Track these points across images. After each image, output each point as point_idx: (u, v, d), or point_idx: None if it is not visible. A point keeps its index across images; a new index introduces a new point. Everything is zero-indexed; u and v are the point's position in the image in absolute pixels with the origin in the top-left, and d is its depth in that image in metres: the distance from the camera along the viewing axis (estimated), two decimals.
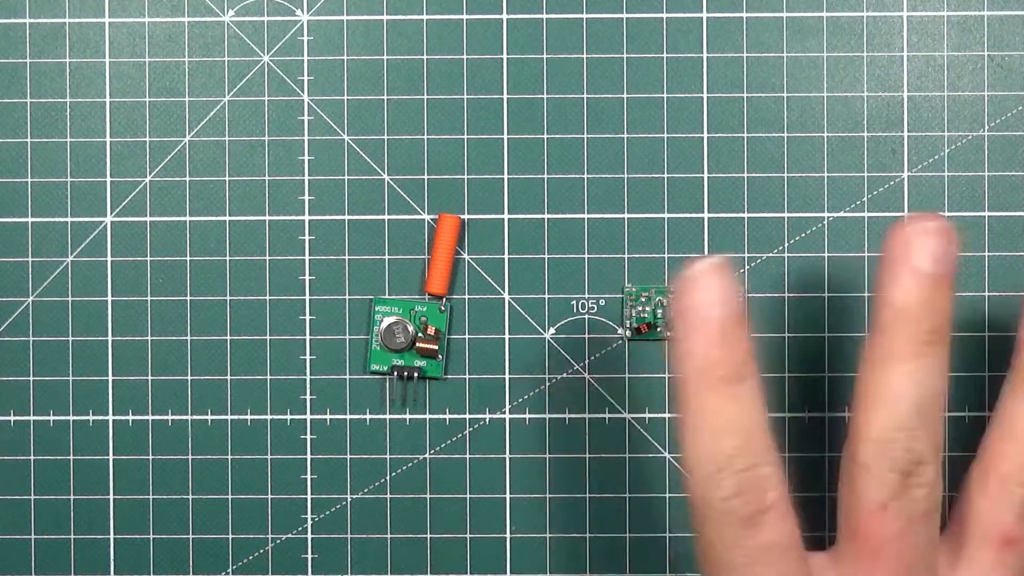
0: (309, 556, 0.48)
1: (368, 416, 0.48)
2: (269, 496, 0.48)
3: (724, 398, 0.37)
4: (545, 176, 0.48)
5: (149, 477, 0.48)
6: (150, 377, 0.48)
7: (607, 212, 0.47)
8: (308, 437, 0.48)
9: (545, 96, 0.48)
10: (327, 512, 0.48)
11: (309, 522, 0.48)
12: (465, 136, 0.48)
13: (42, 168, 0.48)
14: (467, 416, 0.48)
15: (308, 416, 0.48)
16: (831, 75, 0.47)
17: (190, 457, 0.48)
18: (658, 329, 0.47)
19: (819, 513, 0.47)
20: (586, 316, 0.47)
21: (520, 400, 0.47)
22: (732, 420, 0.37)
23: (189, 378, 0.48)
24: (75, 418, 0.48)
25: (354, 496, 0.48)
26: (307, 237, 0.48)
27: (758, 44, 0.47)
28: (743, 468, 0.37)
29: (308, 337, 0.48)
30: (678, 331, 0.38)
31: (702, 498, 0.37)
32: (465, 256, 0.48)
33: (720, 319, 0.37)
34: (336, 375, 0.48)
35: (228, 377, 0.48)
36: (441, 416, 0.48)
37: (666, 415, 0.47)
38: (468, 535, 0.48)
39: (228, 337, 0.48)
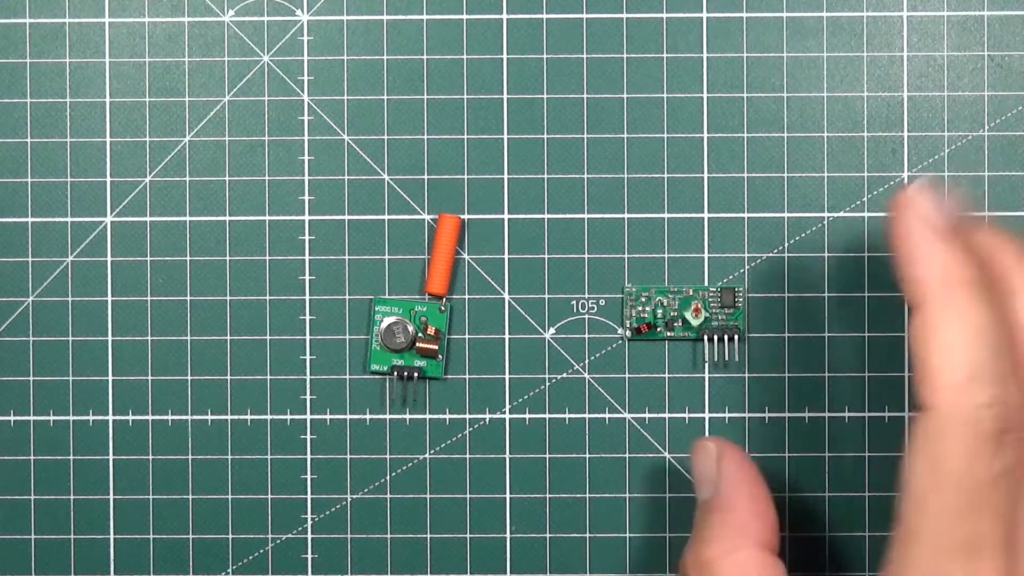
0: (309, 556, 0.48)
1: (368, 416, 0.48)
2: (269, 496, 0.48)
3: (978, 301, 0.35)
4: (545, 176, 0.48)
5: (149, 477, 0.48)
6: (150, 377, 0.48)
7: (607, 212, 0.47)
8: (308, 437, 0.48)
9: (545, 96, 0.48)
10: (327, 512, 0.48)
11: (309, 522, 0.48)
12: (465, 136, 0.48)
13: (42, 168, 0.48)
14: (467, 416, 0.48)
15: (308, 416, 0.48)
16: (831, 75, 0.47)
17: (190, 457, 0.48)
18: (658, 329, 0.47)
19: (820, 513, 0.47)
20: (586, 316, 0.47)
21: (520, 400, 0.47)
22: (987, 325, 0.35)
23: (189, 378, 0.48)
24: (75, 418, 0.48)
25: (354, 496, 0.48)
26: (307, 237, 0.48)
27: (758, 44, 0.47)
28: (998, 377, 0.35)
29: (308, 337, 0.48)
30: (905, 250, 0.37)
31: (951, 405, 0.35)
32: (465, 256, 0.48)
33: (950, 223, 0.37)
34: (336, 375, 0.48)
35: (228, 377, 0.48)
36: (441, 416, 0.48)
37: (666, 415, 0.47)
38: (468, 535, 0.48)
39: (228, 337, 0.48)
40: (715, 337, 0.47)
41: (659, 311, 0.47)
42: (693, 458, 0.42)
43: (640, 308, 0.47)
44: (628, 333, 0.47)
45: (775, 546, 0.40)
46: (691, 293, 0.47)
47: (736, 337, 0.47)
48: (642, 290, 0.47)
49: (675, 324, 0.47)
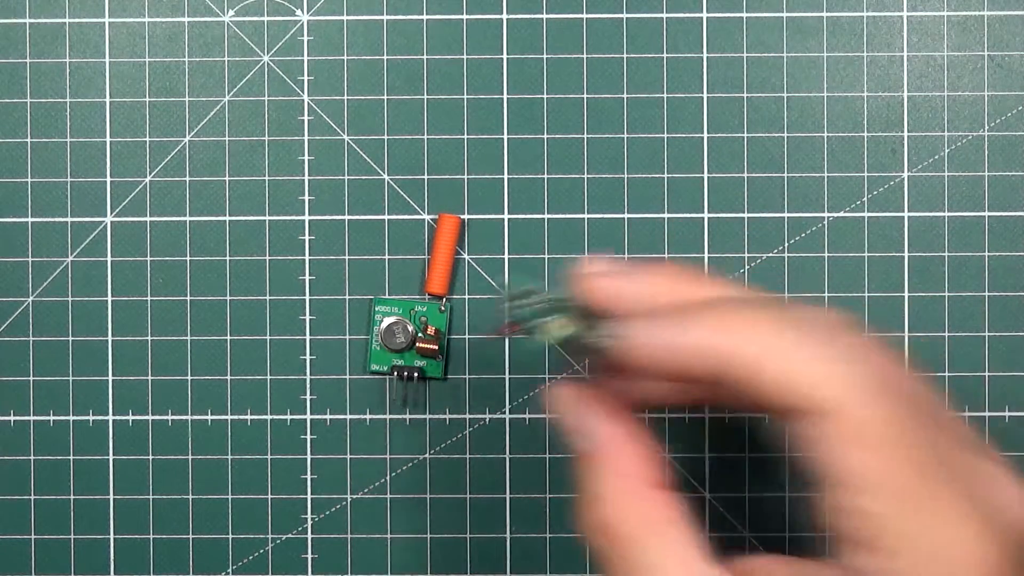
0: (309, 556, 0.48)
1: (368, 416, 0.48)
2: (269, 496, 0.48)
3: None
4: (545, 176, 0.48)
5: (149, 477, 0.48)
6: (150, 377, 0.48)
7: (607, 212, 0.47)
8: (308, 437, 0.48)
9: (545, 96, 0.48)
10: (327, 512, 0.48)
11: (309, 522, 0.48)
12: (465, 136, 0.48)
13: (42, 168, 0.48)
14: (467, 416, 0.48)
15: (308, 416, 0.48)
16: (831, 75, 0.47)
17: (190, 457, 0.48)
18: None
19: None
20: None
21: (520, 400, 0.47)
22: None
23: (189, 378, 0.48)
24: (75, 418, 0.48)
25: (354, 496, 0.48)
26: (307, 237, 0.48)
27: (758, 44, 0.47)
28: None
29: (308, 337, 0.48)
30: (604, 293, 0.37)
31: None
32: (465, 256, 0.48)
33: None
34: (336, 375, 0.48)
35: (228, 377, 0.48)
36: (441, 416, 0.48)
37: (665, 415, 0.47)
38: (468, 535, 0.48)
39: (228, 337, 0.48)
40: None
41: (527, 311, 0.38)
42: (558, 411, 0.37)
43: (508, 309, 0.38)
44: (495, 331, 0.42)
45: (662, 481, 0.37)
46: (561, 301, 0.38)
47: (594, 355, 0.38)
48: (511, 289, 0.38)
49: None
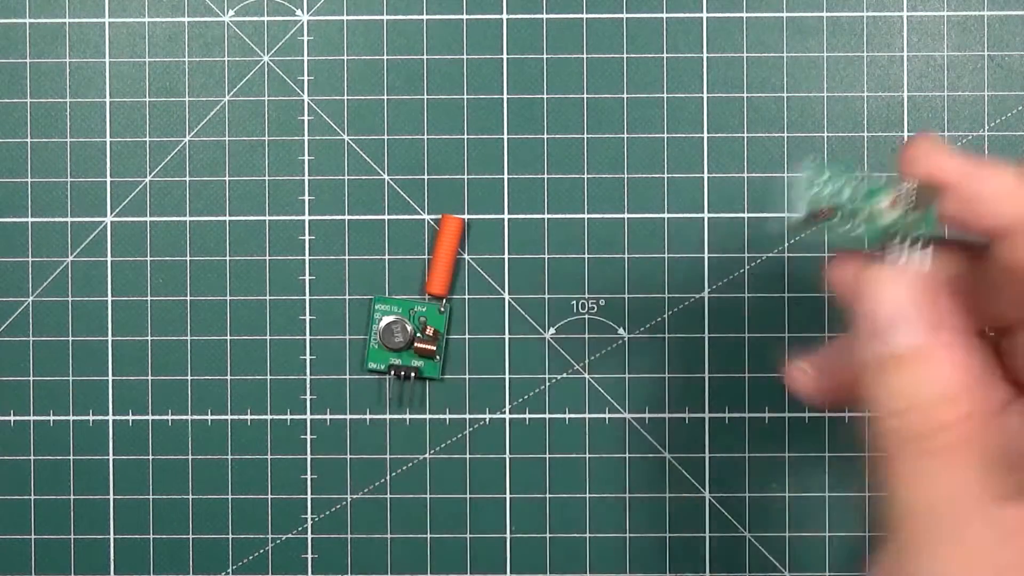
0: (309, 556, 0.48)
1: (368, 416, 0.48)
2: (269, 496, 0.48)
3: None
4: (545, 176, 0.48)
5: (149, 477, 0.48)
6: (150, 377, 0.48)
7: (607, 212, 0.47)
8: (308, 437, 0.48)
9: (545, 96, 0.48)
10: (327, 512, 0.48)
11: (309, 522, 0.48)
12: (465, 136, 0.48)
13: (42, 168, 0.48)
14: (467, 416, 0.48)
15: (308, 416, 0.48)
16: (831, 75, 0.47)
17: (190, 457, 0.48)
18: (836, 218, 0.35)
19: (819, 513, 0.47)
20: (586, 316, 0.47)
21: (520, 400, 0.47)
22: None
23: (189, 378, 0.48)
24: (75, 418, 0.48)
25: (354, 496, 0.48)
26: (307, 237, 0.48)
27: (758, 44, 0.47)
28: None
29: (308, 337, 0.48)
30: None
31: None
32: (465, 256, 0.48)
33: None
34: (336, 375, 0.48)
35: (228, 377, 0.48)
36: (441, 416, 0.48)
37: (666, 415, 0.47)
38: (468, 535, 0.48)
39: (228, 337, 0.48)
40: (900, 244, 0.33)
41: (846, 192, 0.34)
42: (865, 291, 0.31)
43: (818, 190, 0.34)
44: (801, 216, 0.35)
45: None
46: (883, 182, 0.33)
47: (924, 246, 0.33)
48: (826, 168, 0.34)
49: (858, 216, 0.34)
